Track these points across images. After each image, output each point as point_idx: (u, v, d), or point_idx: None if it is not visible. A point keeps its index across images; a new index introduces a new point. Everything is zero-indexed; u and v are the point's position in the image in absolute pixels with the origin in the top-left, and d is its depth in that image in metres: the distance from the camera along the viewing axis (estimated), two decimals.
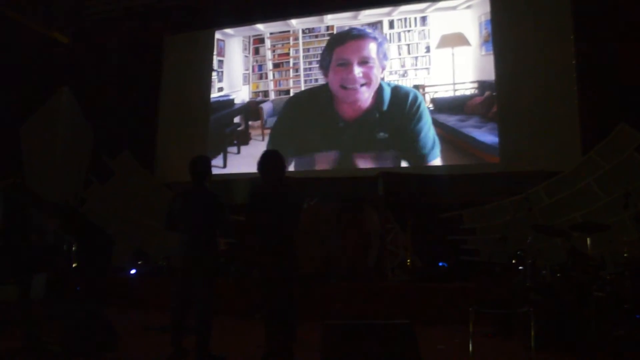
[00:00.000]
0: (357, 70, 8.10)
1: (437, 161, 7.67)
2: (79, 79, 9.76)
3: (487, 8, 7.76)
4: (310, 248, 6.62)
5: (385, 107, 7.94)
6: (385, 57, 8.11)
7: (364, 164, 8.05)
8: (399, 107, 7.88)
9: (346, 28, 8.50)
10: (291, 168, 8.16)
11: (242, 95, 9.14)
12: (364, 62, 8.13)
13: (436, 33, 8.01)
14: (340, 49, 8.38)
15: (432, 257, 7.18)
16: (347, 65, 8.21)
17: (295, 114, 8.64)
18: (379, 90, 8.01)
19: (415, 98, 7.81)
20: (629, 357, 4.25)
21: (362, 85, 8.04)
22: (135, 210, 8.86)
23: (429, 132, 7.71)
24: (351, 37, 8.36)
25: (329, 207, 7.58)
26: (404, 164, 7.85)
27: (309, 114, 8.52)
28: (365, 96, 7.99)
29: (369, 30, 8.29)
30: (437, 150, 7.65)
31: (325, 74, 8.44)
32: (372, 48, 8.18)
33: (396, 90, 7.96)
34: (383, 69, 8.10)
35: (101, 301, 6.66)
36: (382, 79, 8.08)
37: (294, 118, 8.64)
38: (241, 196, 7.59)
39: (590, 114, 6.97)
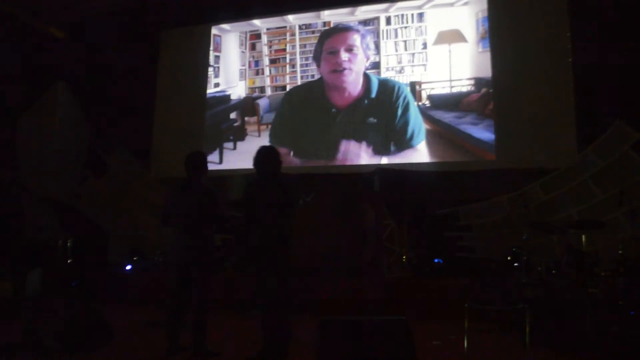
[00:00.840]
0: (344, 56, 8.50)
1: (422, 145, 7.76)
2: (74, 74, 9.72)
3: (484, 5, 7.76)
4: (306, 244, 6.62)
5: (373, 95, 8.20)
6: (368, 47, 8.41)
7: (355, 148, 8.14)
8: (386, 95, 8.13)
9: None
10: (291, 162, 8.17)
11: (238, 91, 9.12)
12: (349, 49, 8.53)
13: (433, 29, 8.01)
14: (329, 40, 8.70)
15: (428, 253, 7.20)
16: (335, 53, 8.56)
17: (292, 107, 8.70)
18: (367, 81, 8.25)
19: (401, 88, 8.09)
20: (622, 353, 4.27)
21: (348, 68, 8.46)
22: (131, 206, 8.84)
23: (416, 118, 7.90)
24: (338, 30, 8.69)
25: (326, 203, 7.59)
26: (393, 156, 7.89)
27: (304, 106, 8.60)
28: (352, 78, 8.36)
29: (352, 24, 8.63)
30: (422, 135, 7.82)
31: (318, 65, 8.67)
32: (356, 38, 8.54)
33: (383, 82, 8.22)
34: (367, 58, 8.40)
35: (96, 297, 6.66)
36: (368, 68, 8.31)
37: (290, 112, 8.69)
38: (237, 192, 7.57)
39: (587, 111, 6.98)
